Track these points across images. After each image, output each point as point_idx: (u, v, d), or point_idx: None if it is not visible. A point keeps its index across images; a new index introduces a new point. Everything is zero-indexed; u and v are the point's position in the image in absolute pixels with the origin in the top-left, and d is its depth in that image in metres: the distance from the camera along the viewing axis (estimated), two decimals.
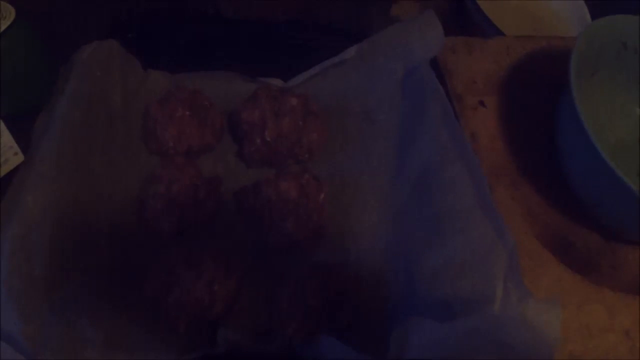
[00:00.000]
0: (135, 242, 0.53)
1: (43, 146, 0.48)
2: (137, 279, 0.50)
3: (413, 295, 0.49)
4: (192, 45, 0.63)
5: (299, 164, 0.58)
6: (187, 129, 0.56)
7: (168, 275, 0.48)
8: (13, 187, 0.47)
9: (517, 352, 0.40)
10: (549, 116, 0.59)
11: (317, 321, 0.47)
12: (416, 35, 0.57)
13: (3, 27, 0.51)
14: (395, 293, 0.51)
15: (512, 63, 0.65)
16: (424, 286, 0.48)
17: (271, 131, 0.56)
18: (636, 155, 0.62)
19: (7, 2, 0.53)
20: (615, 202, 0.52)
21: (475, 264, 0.45)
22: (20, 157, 0.53)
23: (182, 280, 0.48)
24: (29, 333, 0.41)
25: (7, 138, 0.52)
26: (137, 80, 0.59)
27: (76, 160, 0.50)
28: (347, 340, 0.44)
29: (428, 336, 0.42)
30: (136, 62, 0.59)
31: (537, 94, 0.63)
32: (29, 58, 0.56)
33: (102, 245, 0.51)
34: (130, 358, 0.46)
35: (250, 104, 0.57)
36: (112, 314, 0.47)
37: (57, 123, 0.50)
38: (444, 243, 0.47)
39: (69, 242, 0.47)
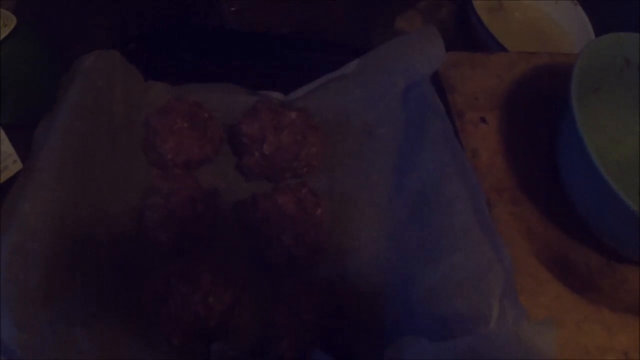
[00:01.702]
0: (134, 254, 0.52)
1: (43, 155, 0.48)
2: (134, 291, 0.49)
3: (411, 312, 0.48)
4: (193, 57, 0.63)
5: (298, 178, 0.58)
6: (186, 141, 0.56)
7: (164, 287, 0.48)
8: (12, 195, 0.47)
9: None
10: (550, 133, 0.59)
11: (312, 338, 0.47)
12: (417, 49, 0.56)
13: (3, 35, 0.51)
14: (393, 310, 0.50)
15: (514, 79, 0.65)
16: (421, 303, 0.47)
17: (270, 144, 0.55)
18: (638, 173, 0.61)
19: (9, 11, 0.54)
20: (615, 220, 0.52)
21: (472, 282, 0.44)
22: (18, 165, 0.52)
23: (177, 293, 0.47)
24: (23, 342, 0.41)
25: (7, 146, 0.52)
26: (138, 91, 0.59)
27: (76, 170, 0.50)
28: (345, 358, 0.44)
29: (423, 356, 0.42)
30: (137, 73, 0.60)
31: (539, 111, 0.62)
32: (30, 67, 0.55)
33: (101, 257, 0.50)
34: None
35: (250, 117, 0.57)
36: (108, 326, 0.47)
37: (57, 132, 0.50)
38: (441, 261, 0.47)
39: (67, 252, 0.46)
